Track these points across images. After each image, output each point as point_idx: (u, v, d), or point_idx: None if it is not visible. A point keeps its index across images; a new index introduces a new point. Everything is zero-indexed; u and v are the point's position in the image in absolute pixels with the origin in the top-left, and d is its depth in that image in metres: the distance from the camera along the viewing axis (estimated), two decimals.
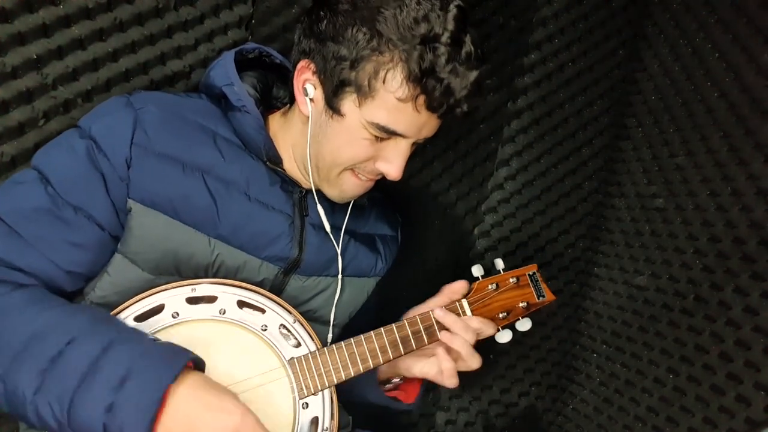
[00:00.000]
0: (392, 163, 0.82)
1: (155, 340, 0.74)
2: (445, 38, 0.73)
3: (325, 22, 0.79)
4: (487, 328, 0.92)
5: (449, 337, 0.89)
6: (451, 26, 0.74)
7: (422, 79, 0.74)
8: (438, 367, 0.91)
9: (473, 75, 0.76)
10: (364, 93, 0.77)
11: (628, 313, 1.25)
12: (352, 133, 0.80)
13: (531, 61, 1.29)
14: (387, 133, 0.79)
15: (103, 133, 0.78)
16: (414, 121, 0.78)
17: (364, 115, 0.78)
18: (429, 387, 1.35)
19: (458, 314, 0.93)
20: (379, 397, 0.99)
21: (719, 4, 1.09)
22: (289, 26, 1.07)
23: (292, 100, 0.91)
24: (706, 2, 1.12)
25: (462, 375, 0.92)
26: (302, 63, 0.83)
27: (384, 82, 0.75)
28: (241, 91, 0.86)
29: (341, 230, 0.94)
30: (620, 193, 1.34)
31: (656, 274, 1.19)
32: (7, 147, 0.84)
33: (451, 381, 0.90)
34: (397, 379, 1.00)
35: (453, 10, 0.75)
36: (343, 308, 0.96)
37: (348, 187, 0.87)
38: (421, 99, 0.76)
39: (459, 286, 0.95)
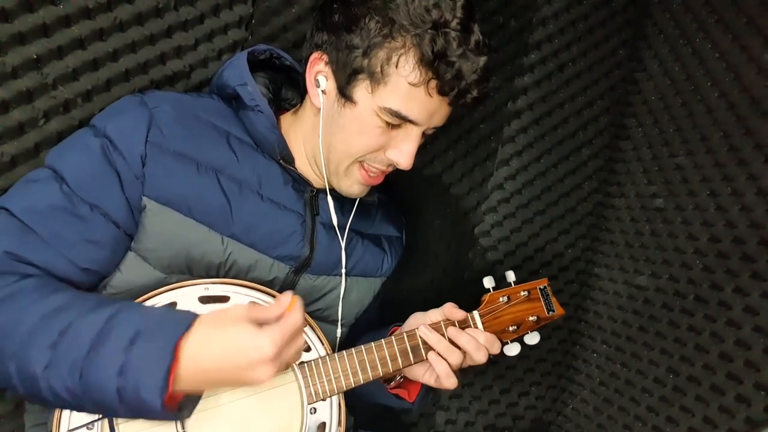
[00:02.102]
0: (403, 152, 0.83)
1: (163, 307, 0.75)
2: (455, 24, 0.76)
3: (337, 14, 0.81)
4: (474, 351, 0.88)
5: (434, 359, 0.89)
6: (460, 13, 0.76)
7: (434, 63, 0.76)
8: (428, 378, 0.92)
9: (482, 60, 0.78)
10: (377, 79, 0.78)
11: (628, 313, 1.25)
12: (364, 121, 0.81)
13: (531, 61, 1.29)
14: (399, 119, 0.80)
15: (118, 131, 0.79)
16: (426, 106, 0.79)
17: (377, 101, 0.79)
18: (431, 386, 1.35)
19: (468, 326, 0.93)
20: (382, 396, 0.99)
21: (719, 4, 1.09)
22: (289, 26, 1.07)
23: (302, 100, 0.92)
24: (706, 2, 1.12)
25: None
26: (315, 55, 0.84)
27: (397, 67, 0.77)
28: (255, 91, 0.87)
29: (350, 229, 0.95)
30: (620, 193, 1.34)
31: (656, 274, 1.20)
32: (7, 147, 0.84)
33: (448, 382, 0.89)
34: (400, 378, 1.01)
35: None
36: (350, 308, 0.97)
37: (357, 181, 0.88)
38: (433, 83, 0.77)
39: (461, 313, 0.92)
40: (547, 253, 1.36)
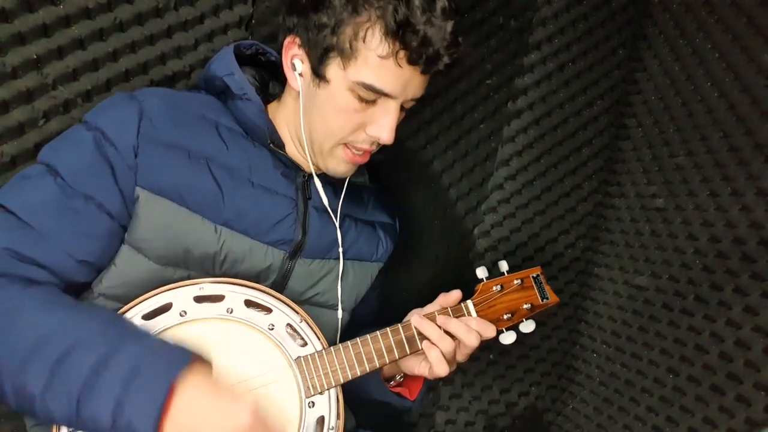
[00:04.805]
0: (383, 126, 0.84)
1: (163, 341, 0.74)
2: None
3: None
4: (465, 334, 0.89)
5: (427, 345, 0.90)
6: None
7: (399, 32, 0.76)
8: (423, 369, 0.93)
9: (449, 25, 0.78)
10: (347, 55, 0.79)
11: (628, 313, 1.25)
12: (339, 99, 0.82)
13: (531, 61, 1.29)
14: (374, 93, 0.80)
15: (110, 124, 0.80)
16: (398, 77, 0.79)
17: (350, 76, 0.80)
18: (431, 385, 1.35)
19: (463, 315, 0.94)
20: (382, 393, 1.00)
21: (719, 4, 1.09)
22: None
23: (284, 88, 0.93)
24: (706, 2, 1.12)
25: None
26: (288, 39, 0.85)
27: (364, 41, 0.78)
28: (242, 79, 0.88)
29: (343, 214, 0.97)
30: (620, 193, 1.34)
31: (656, 274, 1.19)
32: (7, 147, 0.84)
33: (440, 368, 0.89)
34: (399, 377, 1.01)
35: None
36: (349, 291, 0.98)
37: (342, 161, 0.89)
38: (402, 53, 0.77)
39: (454, 296, 0.94)
40: (547, 254, 1.36)
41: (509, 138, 1.31)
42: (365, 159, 0.90)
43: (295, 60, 0.85)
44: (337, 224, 0.94)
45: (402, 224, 1.12)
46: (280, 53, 0.93)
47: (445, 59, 0.80)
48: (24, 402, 0.66)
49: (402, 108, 0.85)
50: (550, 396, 1.43)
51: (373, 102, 0.82)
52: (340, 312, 0.96)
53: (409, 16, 0.75)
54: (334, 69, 0.81)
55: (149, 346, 0.70)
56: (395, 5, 0.75)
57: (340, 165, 0.89)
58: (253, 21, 1.05)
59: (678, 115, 1.18)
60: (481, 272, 0.98)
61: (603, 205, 1.38)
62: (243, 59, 0.93)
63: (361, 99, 0.81)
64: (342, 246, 0.95)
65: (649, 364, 1.16)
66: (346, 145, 0.87)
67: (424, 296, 0.98)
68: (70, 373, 0.65)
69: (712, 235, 1.07)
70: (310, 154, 0.90)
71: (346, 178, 0.96)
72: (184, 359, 0.68)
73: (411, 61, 0.78)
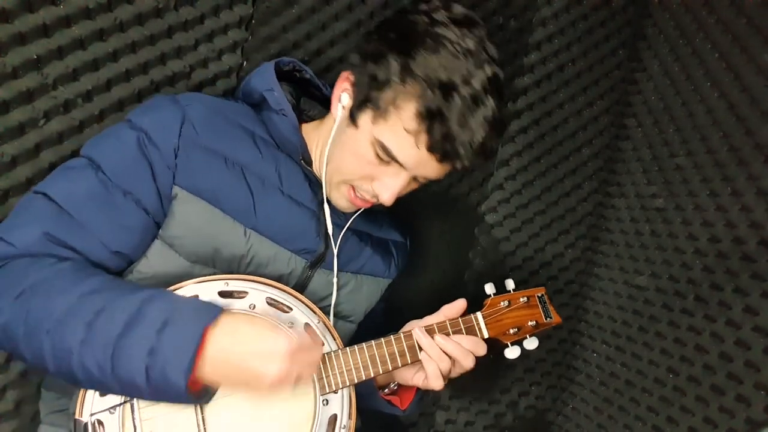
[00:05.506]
0: (387, 188, 0.86)
1: (192, 298, 0.79)
2: (464, 91, 0.78)
3: (372, 44, 0.86)
4: (462, 357, 0.90)
5: (425, 358, 0.91)
6: (477, 84, 0.79)
7: (427, 118, 0.78)
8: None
9: (481, 134, 0.80)
10: (380, 113, 0.82)
11: (628, 313, 1.25)
12: (359, 146, 0.85)
13: (531, 61, 1.29)
14: (388, 156, 0.83)
15: (153, 125, 0.84)
16: (414, 154, 0.82)
17: (375, 132, 0.83)
18: (425, 392, 1.35)
19: (473, 326, 0.95)
20: (374, 400, 1.02)
21: (719, 4, 1.09)
22: (289, 26, 1.07)
23: (329, 110, 0.96)
24: (706, 2, 1.12)
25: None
26: (345, 73, 0.90)
27: (398, 109, 0.81)
28: (281, 96, 0.92)
29: (360, 231, 1.01)
30: (620, 193, 1.34)
31: (656, 274, 1.20)
32: (7, 147, 0.84)
33: (436, 383, 0.91)
34: (393, 385, 1.02)
35: (486, 71, 0.80)
36: (359, 305, 1.02)
37: (344, 197, 0.92)
38: (423, 137, 0.80)
39: (458, 306, 0.95)
40: (547, 254, 1.36)
41: (509, 138, 1.31)
42: (366, 205, 0.93)
43: (343, 93, 0.89)
44: (337, 243, 0.96)
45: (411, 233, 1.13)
46: (316, 74, 0.99)
47: (465, 161, 0.82)
48: (62, 358, 0.70)
49: (416, 180, 0.88)
50: (551, 395, 1.43)
51: (387, 162, 0.85)
52: (332, 319, 0.97)
53: (444, 108, 0.77)
54: (365, 119, 0.84)
55: (180, 299, 0.76)
56: (437, 93, 0.77)
57: (341, 200, 0.93)
58: (253, 21, 1.05)
59: (678, 115, 1.19)
60: (490, 288, 1.00)
61: (603, 205, 1.38)
62: (279, 74, 0.96)
63: (378, 156, 0.84)
64: (356, 264, 1.00)
65: (649, 364, 1.17)
66: (351, 186, 0.90)
67: (424, 296, 0.99)
68: (106, 326, 0.69)
69: (712, 235, 1.07)
70: (323, 179, 0.93)
71: None
72: (215, 310, 0.73)
73: (429, 148, 0.81)
